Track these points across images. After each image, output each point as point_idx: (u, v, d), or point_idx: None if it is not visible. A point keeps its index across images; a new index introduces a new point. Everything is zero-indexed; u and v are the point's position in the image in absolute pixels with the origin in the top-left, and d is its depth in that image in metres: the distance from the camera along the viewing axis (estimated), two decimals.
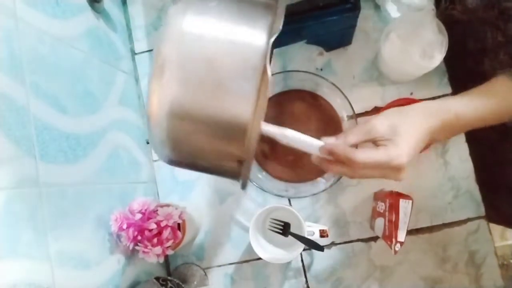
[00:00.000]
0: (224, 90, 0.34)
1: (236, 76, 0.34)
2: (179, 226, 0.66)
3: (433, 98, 0.74)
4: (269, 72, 0.33)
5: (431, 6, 0.68)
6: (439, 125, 0.48)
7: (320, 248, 0.68)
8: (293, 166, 0.75)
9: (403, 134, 0.46)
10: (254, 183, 0.70)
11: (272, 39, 0.33)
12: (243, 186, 0.41)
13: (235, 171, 0.38)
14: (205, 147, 0.37)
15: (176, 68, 0.35)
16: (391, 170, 0.46)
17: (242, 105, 0.33)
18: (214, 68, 0.34)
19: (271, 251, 0.72)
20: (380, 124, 0.47)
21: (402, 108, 0.50)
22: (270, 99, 0.66)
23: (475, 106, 0.49)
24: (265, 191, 0.70)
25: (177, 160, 0.40)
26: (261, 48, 0.34)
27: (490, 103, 0.49)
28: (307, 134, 0.49)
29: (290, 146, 0.49)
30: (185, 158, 0.40)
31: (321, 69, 0.79)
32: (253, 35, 0.34)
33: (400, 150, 0.45)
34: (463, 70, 0.64)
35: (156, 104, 0.35)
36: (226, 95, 0.34)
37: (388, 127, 0.47)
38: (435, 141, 0.50)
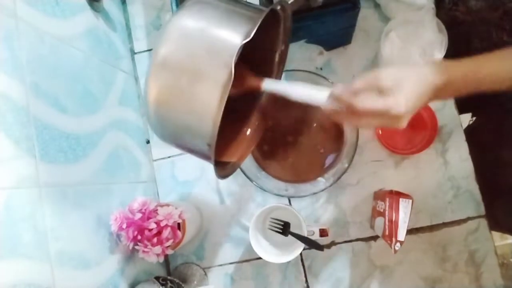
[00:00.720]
0: (198, 80, 0.41)
1: (209, 70, 0.41)
2: (179, 226, 0.66)
3: None
4: (232, 70, 0.39)
5: (431, 5, 0.68)
6: (446, 83, 0.48)
7: (320, 247, 0.68)
8: (292, 167, 0.75)
9: (405, 86, 0.47)
10: (254, 183, 0.70)
11: (243, 43, 0.39)
12: (215, 171, 0.48)
13: (206, 154, 0.45)
14: (180, 130, 0.45)
15: (171, 63, 0.42)
16: (389, 118, 0.47)
17: (209, 95, 0.40)
18: (194, 63, 0.41)
19: (271, 250, 0.72)
20: (386, 73, 0.48)
21: (415, 65, 0.51)
22: (270, 97, 0.66)
23: (488, 68, 0.49)
24: (265, 191, 0.70)
25: (165, 138, 0.48)
26: (233, 48, 0.40)
27: (503, 65, 0.49)
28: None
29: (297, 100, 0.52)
30: (170, 138, 0.48)
31: (321, 68, 0.79)
32: (231, 39, 0.41)
33: (399, 101, 0.46)
34: None
35: (148, 94, 0.43)
36: (198, 85, 0.41)
37: (393, 77, 0.48)
38: (439, 98, 0.51)
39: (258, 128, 0.65)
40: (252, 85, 0.54)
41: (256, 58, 0.55)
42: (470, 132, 0.74)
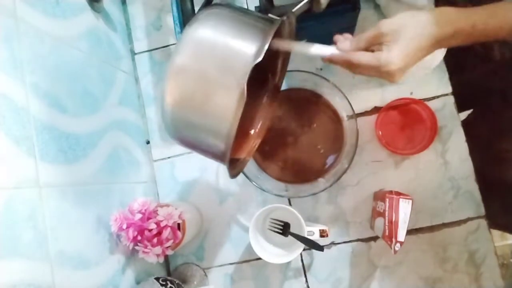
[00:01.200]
0: (214, 92, 0.43)
1: (223, 85, 0.42)
2: (179, 226, 0.66)
3: (433, 98, 0.75)
4: (245, 92, 0.41)
5: (431, 6, 0.68)
6: (451, 33, 0.48)
7: (320, 248, 0.68)
8: (293, 168, 0.75)
9: (402, 40, 0.48)
10: (254, 183, 0.70)
11: (256, 62, 0.41)
12: (228, 172, 0.50)
13: (221, 158, 0.47)
14: (198, 140, 0.47)
15: (187, 71, 0.44)
16: (382, 73, 0.49)
17: (224, 112, 0.42)
18: (208, 78, 0.43)
19: (271, 251, 0.72)
20: (388, 23, 0.49)
21: (420, 11, 0.50)
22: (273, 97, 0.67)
23: (497, 17, 0.48)
24: (265, 191, 0.70)
25: (180, 141, 0.49)
26: (247, 66, 0.41)
27: (506, 8, 0.48)
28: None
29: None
30: (186, 141, 0.49)
31: (321, 69, 0.79)
32: (243, 56, 0.42)
33: (390, 58, 0.48)
34: (468, 60, 0.63)
35: (165, 99, 0.45)
36: (214, 98, 0.43)
37: (393, 28, 0.49)
38: (442, 47, 0.51)
39: (263, 123, 0.66)
40: (282, 44, 0.56)
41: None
42: (469, 132, 0.74)
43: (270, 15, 0.48)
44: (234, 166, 0.59)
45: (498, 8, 0.49)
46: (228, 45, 0.43)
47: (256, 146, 0.64)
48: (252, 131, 0.64)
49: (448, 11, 0.49)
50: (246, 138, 0.63)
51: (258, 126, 0.65)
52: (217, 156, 0.47)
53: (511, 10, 0.48)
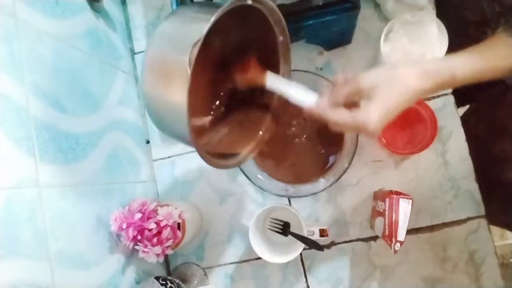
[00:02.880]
0: (170, 73, 0.45)
1: (176, 68, 0.44)
2: (179, 226, 0.66)
3: (433, 98, 0.74)
4: (189, 69, 0.42)
5: (431, 5, 0.68)
6: (432, 86, 0.48)
7: (320, 248, 0.68)
8: (293, 168, 0.75)
9: (380, 98, 0.47)
10: (254, 183, 0.70)
11: (201, 36, 0.43)
12: (202, 157, 0.50)
13: (188, 140, 0.48)
14: (165, 119, 0.48)
15: (149, 65, 0.47)
16: (359, 131, 0.49)
17: (178, 90, 0.44)
18: (167, 62, 0.46)
19: (271, 250, 0.72)
20: (366, 79, 0.48)
21: (394, 64, 0.50)
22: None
23: (473, 65, 0.48)
24: (265, 191, 0.70)
25: (160, 128, 0.52)
26: (193, 41, 0.43)
27: (488, 60, 0.48)
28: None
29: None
30: (162, 127, 0.51)
31: (321, 69, 0.79)
32: (194, 32, 0.44)
33: (367, 118, 0.47)
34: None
35: (143, 92, 0.48)
36: (171, 78, 0.45)
37: (371, 84, 0.48)
38: (424, 96, 0.50)
39: (271, 126, 0.66)
40: (256, 78, 0.57)
41: (260, 53, 0.58)
42: (469, 132, 0.74)
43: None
44: (228, 158, 0.59)
45: (475, 53, 0.49)
46: (183, 29, 0.47)
47: (260, 146, 0.64)
48: (260, 130, 0.64)
49: (426, 65, 0.48)
50: (251, 133, 0.63)
51: (265, 126, 0.65)
52: (187, 140, 0.48)
53: (490, 53, 0.49)
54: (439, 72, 0.47)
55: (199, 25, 0.44)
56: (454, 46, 0.67)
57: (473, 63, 0.48)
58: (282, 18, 0.54)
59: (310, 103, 0.53)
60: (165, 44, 0.47)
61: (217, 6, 0.48)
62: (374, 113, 0.47)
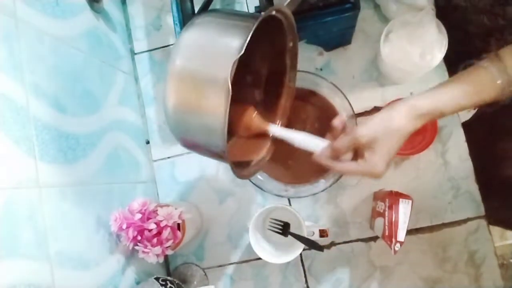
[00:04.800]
0: (204, 90, 0.45)
1: (211, 83, 0.44)
2: (179, 226, 0.66)
3: None
4: (229, 83, 0.42)
5: (431, 6, 0.68)
6: (423, 123, 0.53)
7: (320, 248, 0.68)
8: (293, 169, 0.75)
9: (380, 149, 0.52)
10: (254, 183, 0.70)
11: (238, 56, 0.42)
12: (232, 171, 0.51)
13: (222, 156, 0.48)
14: (197, 134, 0.48)
15: (177, 77, 0.46)
16: (366, 176, 0.55)
17: (217, 105, 0.44)
18: (198, 77, 0.45)
19: (270, 251, 0.72)
20: (364, 134, 0.53)
21: (387, 112, 0.53)
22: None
23: (457, 99, 0.52)
24: (265, 191, 0.70)
25: (184, 144, 0.52)
26: (230, 60, 0.43)
27: (469, 92, 0.52)
28: (307, 132, 0.56)
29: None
30: (189, 141, 0.51)
31: (321, 69, 0.79)
32: (227, 51, 0.44)
33: (372, 166, 0.53)
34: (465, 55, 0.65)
35: (167, 102, 0.47)
36: (205, 96, 0.45)
37: (369, 139, 0.52)
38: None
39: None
40: (260, 130, 0.60)
41: (268, 61, 0.61)
42: (469, 132, 0.74)
43: (262, 13, 0.49)
44: (244, 167, 0.60)
45: (460, 88, 0.52)
46: (214, 44, 0.46)
47: (267, 147, 0.64)
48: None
49: (418, 107, 0.52)
50: (256, 139, 0.63)
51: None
52: (219, 155, 0.49)
53: (474, 87, 0.52)
54: (429, 113, 0.52)
55: (232, 40, 0.44)
56: (454, 46, 0.67)
57: (459, 99, 0.52)
58: (295, 25, 0.55)
59: (316, 150, 0.57)
60: (198, 58, 0.46)
61: (241, 15, 0.49)
62: (380, 162, 0.52)
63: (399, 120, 0.52)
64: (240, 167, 0.59)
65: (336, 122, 0.57)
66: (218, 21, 0.48)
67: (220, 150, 0.46)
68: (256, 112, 0.60)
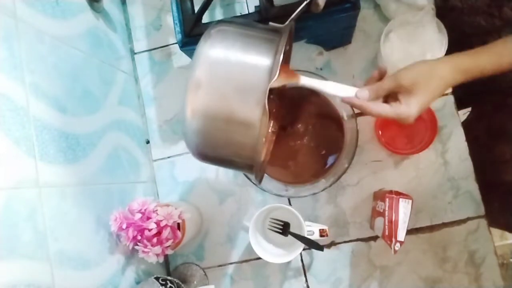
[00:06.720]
0: (236, 112, 0.44)
1: (247, 96, 0.43)
2: (179, 226, 0.66)
3: None
4: (267, 109, 0.42)
5: (431, 6, 0.68)
6: (462, 80, 0.54)
7: (320, 247, 0.68)
8: (293, 169, 0.75)
9: (420, 94, 0.52)
10: (254, 183, 0.70)
11: (273, 80, 0.42)
12: (258, 180, 0.53)
13: (249, 167, 0.48)
14: (225, 144, 0.47)
15: (206, 86, 0.44)
16: (400, 121, 0.54)
17: (249, 131, 0.43)
18: (232, 88, 0.44)
19: (271, 251, 0.72)
20: (407, 76, 0.53)
21: (431, 61, 0.54)
22: (270, 95, 0.68)
23: (497, 57, 0.54)
24: (265, 191, 0.70)
25: (205, 153, 0.50)
26: (265, 85, 0.43)
27: (508, 54, 0.54)
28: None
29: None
30: (211, 151, 0.49)
31: (321, 69, 0.79)
32: (260, 66, 0.44)
33: (409, 111, 0.52)
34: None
35: (190, 111, 0.45)
36: (237, 118, 0.44)
37: (411, 81, 0.53)
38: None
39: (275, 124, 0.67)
40: (292, 80, 0.58)
41: None
42: (469, 132, 0.74)
43: (271, 23, 0.50)
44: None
45: (500, 48, 0.54)
46: (244, 64, 0.45)
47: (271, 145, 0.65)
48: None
49: (461, 62, 0.54)
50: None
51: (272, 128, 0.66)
52: (246, 171, 0.50)
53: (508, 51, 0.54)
54: (470, 69, 0.53)
55: (261, 59, 0.44)
56: (453, 46, 0.67)
57: (498, 58, 0.54)
58: (293, 30, 0.56)
59: (349, 95, 0.56)
60: (227, 76, 0.45)
61: (260, 28, 0.49)
62: (415, 106, 0.52)
63: (444, 69, 0.53)
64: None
65: (377, 72, 0.57)
66: (239, 34, 0.48)
67: (250, 171, 0.47)
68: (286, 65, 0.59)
